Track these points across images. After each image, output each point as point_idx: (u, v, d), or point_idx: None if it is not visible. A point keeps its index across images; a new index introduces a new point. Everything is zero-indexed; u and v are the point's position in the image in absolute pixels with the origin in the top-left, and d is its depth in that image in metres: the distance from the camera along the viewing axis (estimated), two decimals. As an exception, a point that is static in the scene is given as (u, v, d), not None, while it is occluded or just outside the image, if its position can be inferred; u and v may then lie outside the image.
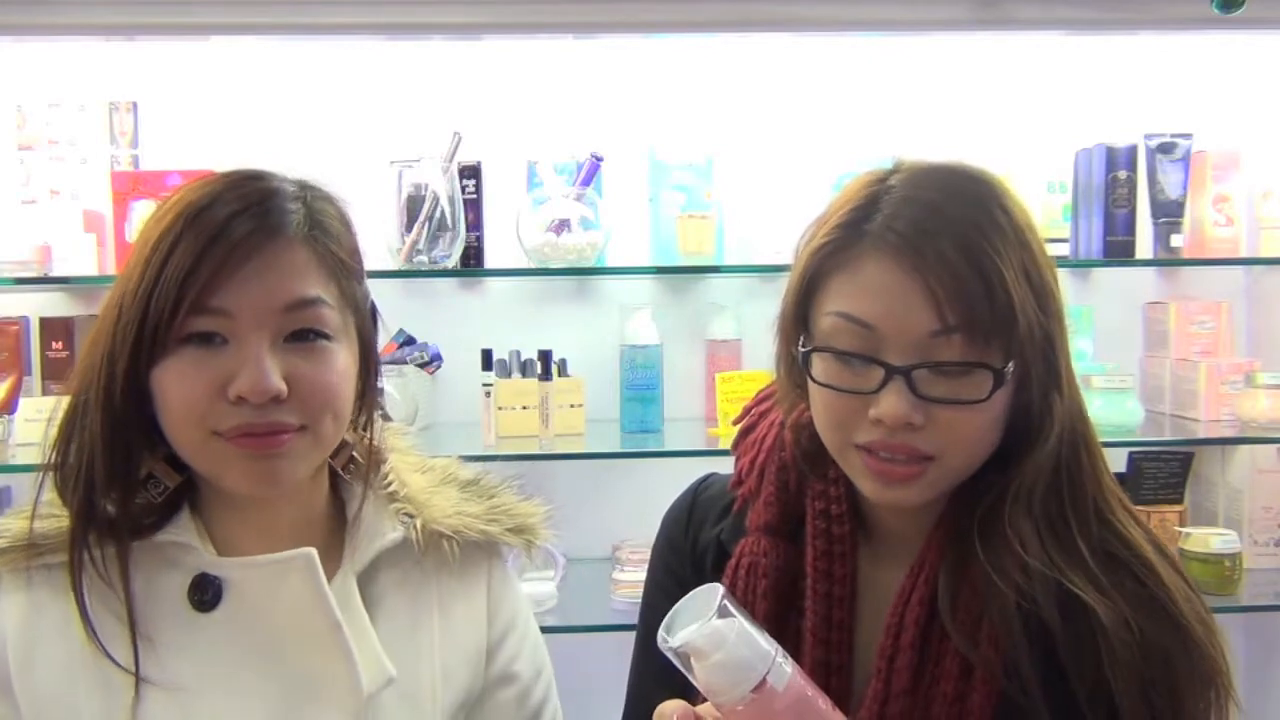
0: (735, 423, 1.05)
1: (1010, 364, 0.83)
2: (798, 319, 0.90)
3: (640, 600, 1.08)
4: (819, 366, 0.87)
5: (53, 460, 0.89)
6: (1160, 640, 0.84)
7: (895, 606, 0.89)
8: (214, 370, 0.84)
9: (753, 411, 1.04)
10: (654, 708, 0.80)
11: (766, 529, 0.95)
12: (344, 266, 0.90)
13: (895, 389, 0.82)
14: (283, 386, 0.84)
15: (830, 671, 0.90)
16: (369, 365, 0.95)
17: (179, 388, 0.85)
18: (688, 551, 1.03)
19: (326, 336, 0.88)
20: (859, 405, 0.84)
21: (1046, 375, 0.85)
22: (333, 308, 0.89)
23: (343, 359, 0.90)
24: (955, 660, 0.85)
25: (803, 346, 0.89)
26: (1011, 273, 0.82)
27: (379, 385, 0.99)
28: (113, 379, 0.85)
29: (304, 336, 0.87)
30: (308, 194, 0.91)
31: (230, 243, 0.83)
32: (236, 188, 0.87)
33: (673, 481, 1.10)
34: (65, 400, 0.90)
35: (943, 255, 0.81)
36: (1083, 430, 0.89)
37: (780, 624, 0.93)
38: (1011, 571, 0.84)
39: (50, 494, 0.90)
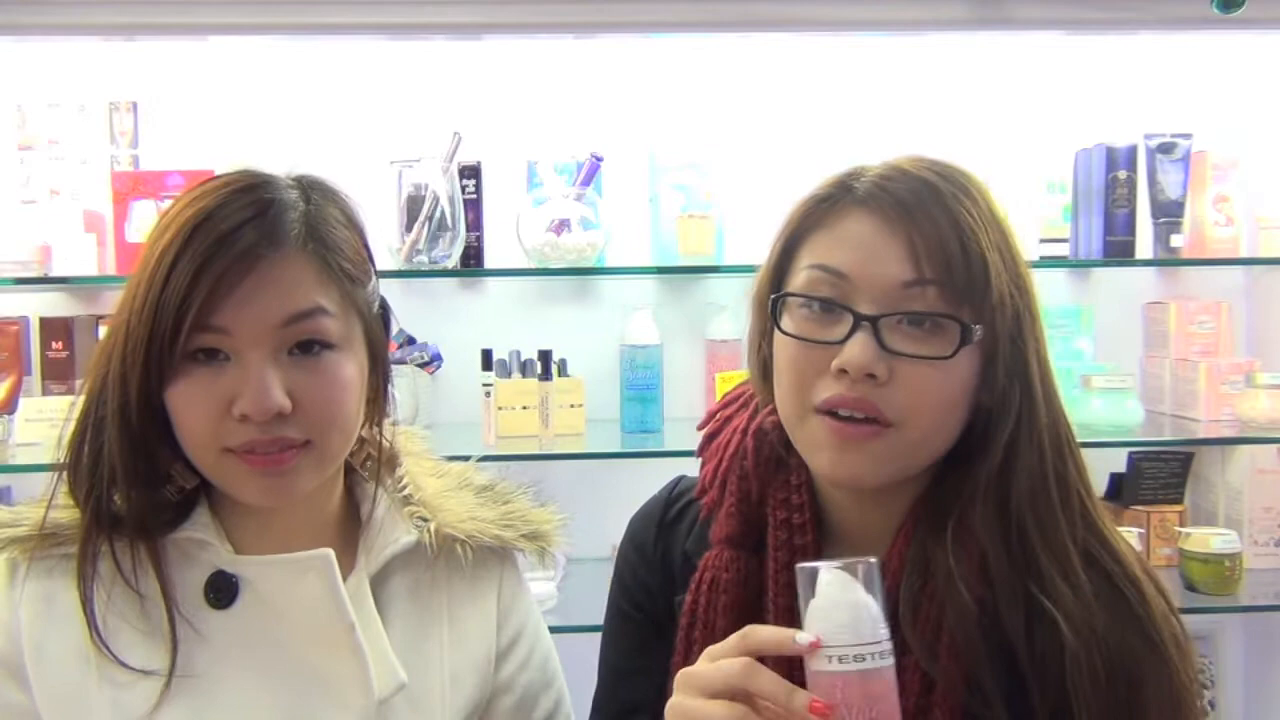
0: (700, 428, 1.03)
1: (979, 327, 0.83)
2: (773, 285, 0.90)
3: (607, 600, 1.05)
4: (789, 318, 0.87)
5: (66, 460, 0.89)
6: (1129, 657, 0.82)
7: None
8: (219, 389, 0.85)
9: (718, 416, 1.02)
10: (629, 686, 0.84)
11: (729, 541, 0.93)
12: (345, 272, 0.89)
13: (861, 338, 0.82)
14: (285, 402, 0.85)
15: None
16: (378, 367, 0.95)
17: (188, 410, 0.85)
18: (657, 560, 1.01)
19: (330, 346, 0.88)
20: (823, 359, 0.84)
21: (1013, 359, 0.85)
22: (334, 316, 0.88)
23: (348, 368, 0.89)
24: (916, 675, 0.84)
25: (774, 296, 0.88)
26: (989, 242, 0.84)
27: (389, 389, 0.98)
28: (127, 401, 0.85)
29: (307, 349, 0.87)
30: (310, 198, 0.90)
31: (227, 260, 0.83)
32: (233, 200, 0.86)
33: (673, 481, 1.09)
34: (78, 400, 0.90)
35: (926, 213, 0.83)
36: (1066, 434, 0.89)
37: None
38: (973, 581, 0.83)
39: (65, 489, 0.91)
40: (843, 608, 0.72)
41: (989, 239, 0.84)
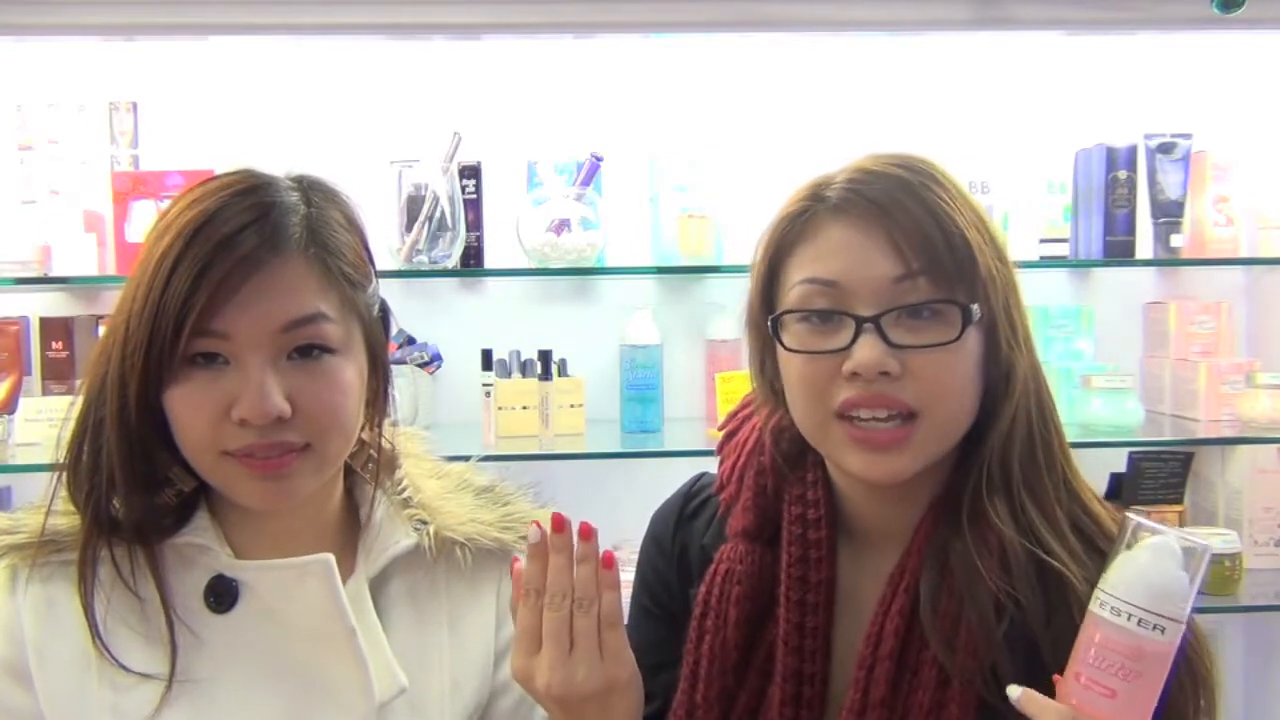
0: (720, 428, 1.05)
1: (976, 306, 0.84)
2: (765, 306, 0.91)
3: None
4: (790, 335, 0.88)
5: (65, 461, 0.89)
6: None
7: (876, 616, 0.88)
8: (218, 393, 0.84)
9: (737, 415, 1.04)
10: (648, 681, 0.85)
11: (744, 534, 0.95)
12: (346, 276, 0.89)
13: (867, 339, 0.83)
14: (285, 407, 0.84)
15: (803, 680, 0.89)
16: (378, 369, 0.94)
17: (187, 413, 0.85)
18: (674, 554, 1.02)
19: (329, 350, 0.87)
20: (834, 366, 0.85)
21: (1010, 328, 0.87)
22: (334, 321, 0.88)
23: (348, 372, 0.89)
24: (933, 670, 0.85)
25: (771, 317, 0.89)
26: (966, 221, 0.85)
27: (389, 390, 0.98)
28: (125, 404, 0.85)
29: (307, 353, 0.86)
30: (311, 200, 0.89)
31: (227, 264, 0.82)
32: (234, 203, 0.85)
33: (673, 481, 1.10)
34: (76, 401, 0.90)
35: (901, 205, 0.84)
36: (1045, 390, 0.91)
37: (756, 631, 0.92)
38: (994, 574, 0.84)
39: (65, 491, 0.90)
40: (1154, 572, 0.75)
41: (965, 219, 0.86)
